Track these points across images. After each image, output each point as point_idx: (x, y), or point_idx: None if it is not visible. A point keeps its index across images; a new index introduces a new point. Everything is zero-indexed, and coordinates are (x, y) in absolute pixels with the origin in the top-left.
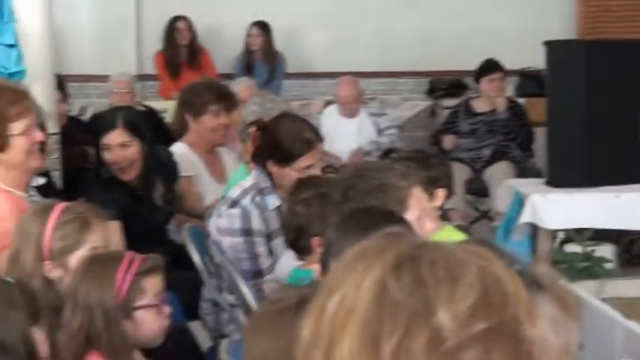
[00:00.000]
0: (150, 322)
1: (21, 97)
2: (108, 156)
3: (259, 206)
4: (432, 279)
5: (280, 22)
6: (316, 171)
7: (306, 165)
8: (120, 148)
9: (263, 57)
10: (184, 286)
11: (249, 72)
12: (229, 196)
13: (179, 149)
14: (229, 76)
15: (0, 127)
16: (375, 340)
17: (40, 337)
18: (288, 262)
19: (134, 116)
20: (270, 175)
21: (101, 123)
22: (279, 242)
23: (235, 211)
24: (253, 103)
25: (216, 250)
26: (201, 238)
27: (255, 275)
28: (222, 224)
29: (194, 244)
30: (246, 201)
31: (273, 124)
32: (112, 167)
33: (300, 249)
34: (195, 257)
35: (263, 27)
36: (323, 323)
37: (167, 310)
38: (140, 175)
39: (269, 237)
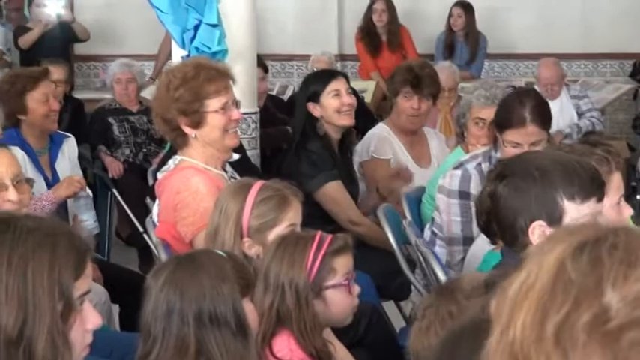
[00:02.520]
0: (340, 301)
1: (220, 75)
2: (335, 102)
3: (482, 173)
4: (609, 261)
5: (482, 2)
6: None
7: (511, 140)
8: (347, 93)
9: (465, 37)
10: (378, 266)
11: (450, 52)
12: (459, 160)
13: (380, 130)
14: (430, 57)
15: (196, 104)
16: (545, 316)
17: (249, 308)
18: (482, 245)
19: None
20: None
21: (321, 75)
22: None
23: (457, 172)
24: (480, 88)
25: (411, 232)
26: (397, 218)
27: (465, 241)
28: (443, 182)
29: (389, 225)
30: (470, 165)
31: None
32: (342, 111)
33: (493, 232)
34: (391, 237)
35: (466, 7)
36: (504, 300)
37: (357, 289)
38: (348, 131)
39: None
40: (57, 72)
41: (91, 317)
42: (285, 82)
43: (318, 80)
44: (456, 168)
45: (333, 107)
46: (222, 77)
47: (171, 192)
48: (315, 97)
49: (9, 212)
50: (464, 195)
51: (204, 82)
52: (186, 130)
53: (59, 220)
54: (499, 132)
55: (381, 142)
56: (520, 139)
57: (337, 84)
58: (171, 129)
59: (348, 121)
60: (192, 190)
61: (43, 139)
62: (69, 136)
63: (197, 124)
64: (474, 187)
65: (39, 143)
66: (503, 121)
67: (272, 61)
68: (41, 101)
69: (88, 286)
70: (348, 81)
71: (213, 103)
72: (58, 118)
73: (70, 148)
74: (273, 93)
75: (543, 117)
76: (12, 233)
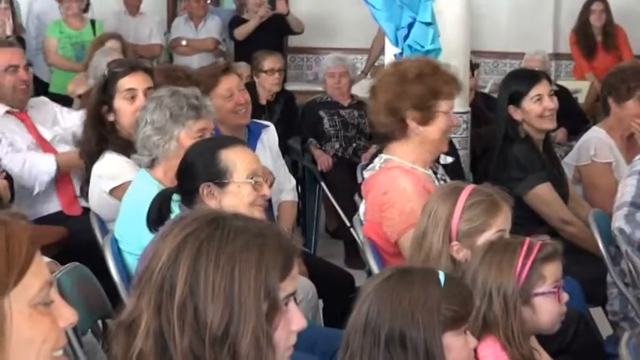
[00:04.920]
0: (548, 308)
1: (453, 80)
2: (538, 107)
3: None
4: None
5: None
6: None
7: None
8: (549, 97)
9: None
10: (587, 272)
11: None
12: None
13: (596, 133)
14: None
15: (432, 100)
16: None
17: (458, 343)
18: None
19: None
20: None
21: (523, 78)
22: None
23: None
24: None
25: (622, 240)
26: (607, 224)
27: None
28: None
29: (599, 230)
30: None
31: None
32: (544, 116)
33: None
34: (600, 243)
35: None
36: None
37: (565, 297)
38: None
39: None
40: (273, 62)
41: (295, 318)
42: (498, 79)
43: (519, 83)
44: None
45: (535, 112)
46: (454, 82)
47: (379, 192)
48: (516, 101)
49: (218, 211)
50: None
51: (442, 83)
52: (412, 124)
53: (268, 221)
54: None
55: (602, 145)
56: None
57: (539, 88)
58: (395, 119)
59: (550, 125)
60: (399, 190)
61: (239, 131)
62: (267, 125)
63: (426, 121)
64: None
65: (236, 136)
66: None
67: (485, 58)
68: (225, 97)
69: (294, 287)
70: (550, 81)
71: (444, 105)
72: (251, 110)
73: (269, 137)
74: (486, 91)
75: None
76: (221, 232)
